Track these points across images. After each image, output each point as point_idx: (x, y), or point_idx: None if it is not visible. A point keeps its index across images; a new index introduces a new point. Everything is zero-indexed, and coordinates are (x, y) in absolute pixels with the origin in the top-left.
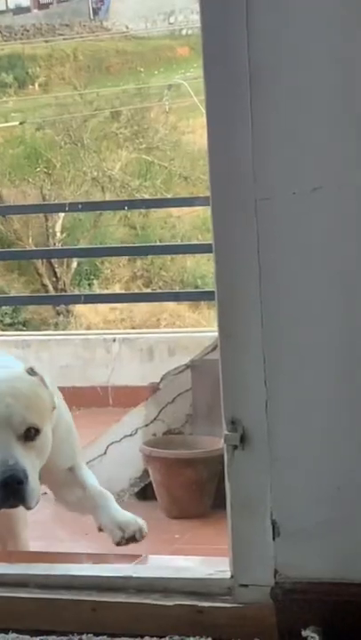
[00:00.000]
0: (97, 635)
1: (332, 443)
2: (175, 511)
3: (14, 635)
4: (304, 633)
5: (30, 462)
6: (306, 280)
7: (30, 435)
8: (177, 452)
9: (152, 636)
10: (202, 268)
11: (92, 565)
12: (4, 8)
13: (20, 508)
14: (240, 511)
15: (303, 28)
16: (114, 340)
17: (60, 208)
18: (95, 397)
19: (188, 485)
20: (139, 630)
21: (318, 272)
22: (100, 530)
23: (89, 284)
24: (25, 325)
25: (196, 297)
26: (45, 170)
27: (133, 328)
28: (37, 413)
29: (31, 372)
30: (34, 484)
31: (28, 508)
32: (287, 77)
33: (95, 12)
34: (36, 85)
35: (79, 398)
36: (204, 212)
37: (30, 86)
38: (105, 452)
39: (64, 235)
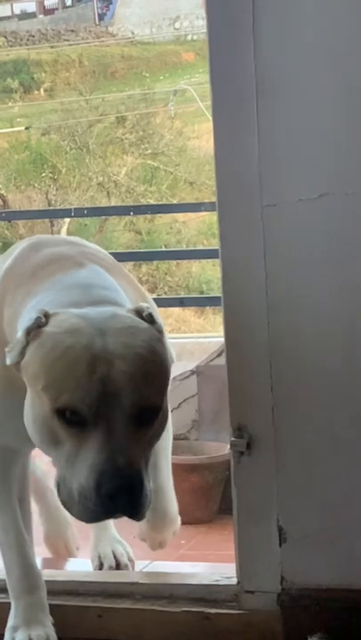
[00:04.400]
0: None
1: (338, 448)
2: (181, 517)
3: None
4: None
5: (144, 456)
6: (312, 286)
7: (146, 417)
8: (183, 458)
9: None
10: (207, 274)
11: (98, 572)
12: (9, 14)
13: None
14: (246, 517)
15: (310, 34)
16: None
17: (65, 213)
18: None
19: (194, 491)
20: (145, 636)
21: (324, 278)
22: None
23: None
24: None
25: (202, 302)
26: (51, 175)
27: None
28: (158, 386)
29: (149, 317)
30: (148, 485)
31: (139, 520)
32: (294, 83)
33: (100, 17)
34: (42, 91)
35: None
36: (209, 218)
37: (36, 91)
38: None
39: None
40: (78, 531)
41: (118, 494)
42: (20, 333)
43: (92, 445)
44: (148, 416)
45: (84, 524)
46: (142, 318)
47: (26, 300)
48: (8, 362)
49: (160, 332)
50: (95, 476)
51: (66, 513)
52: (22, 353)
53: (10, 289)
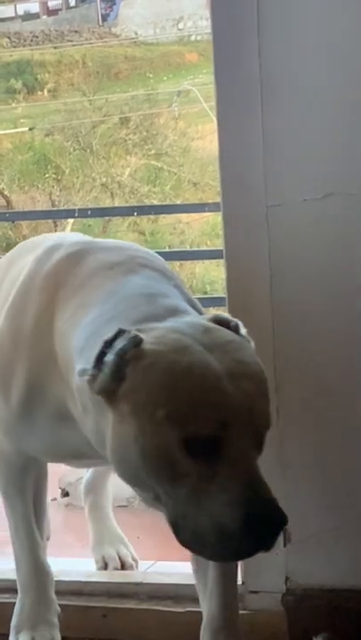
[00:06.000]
0: None
1: (342, 449)
2: None
3: None
4: None
5: None
6: (317, 286)
7: (264, 442)
8: None
9: None
10: (211, 274)
11: (102, 571)
12: (12, 14)
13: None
14: None
15: (315, 34)
16: None
17: (69, 214)
18: None
19: None
20: (149, 637)
21: (329, 278)
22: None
23: None
24: None
25: (206, 303)
26: (54, 176)
27: None
28: (269, 403)
29: (236, 328)
30: None
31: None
32: (298, 83)
33: (104, 18)
34: (45, 91)
35: None
36: (213, 219)
37: (39, 92)
38: None
39: None
40: (78, 530)
41: (272, 530)
42: (110, 356)
43: (228, 477)
44: (265, 438)
45: (75, 517)
46: (228, 329)
47: (78, 313)
48: (96, 390)
49: (249, 342)
50: (242, 512)
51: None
52: (116, 377)
53: (58, 303)
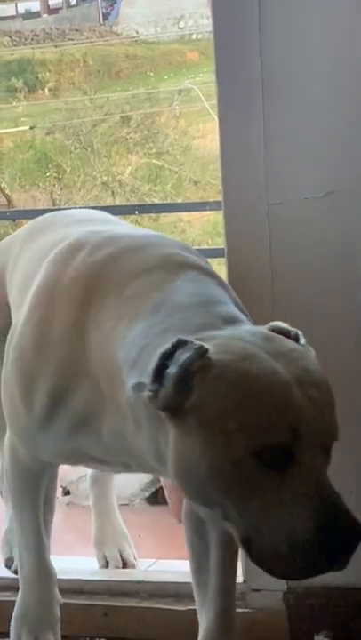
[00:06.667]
0: (109, 639)
1: (344, 447)
2: None
3: None
4: (316, 638)
5: None
6: (318, 285)
7: (331, 452)
8: None
9: None
10: None
11: (103, 570)
12: (13, 13)
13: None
14: None
15: (316, 32)
16: None
17: None
18: None
19: None
20: (151, 635)
21: (330, 277)
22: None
23: None
24: None
25: None
26: (55, 174)
27: None
28: (336, 414)
29: (296, 337)
30: None
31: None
32: (299, 82)
33: (105, 16)
34: (46, 90)
35: None
36: (214, 217)
37: (40, 91)
38: None
39: None
40: (80, 529)
41: (348, 542)
42: (173, 368)
43: (301, 487)
44: (332, 448)
45: (76, 516)
46: (288, 337)
47: (121, 325)
48: (160, 405)
49: (310, 351)
50: (316, 523)
51: None
52: (182, 391)
53: (91, 311)
